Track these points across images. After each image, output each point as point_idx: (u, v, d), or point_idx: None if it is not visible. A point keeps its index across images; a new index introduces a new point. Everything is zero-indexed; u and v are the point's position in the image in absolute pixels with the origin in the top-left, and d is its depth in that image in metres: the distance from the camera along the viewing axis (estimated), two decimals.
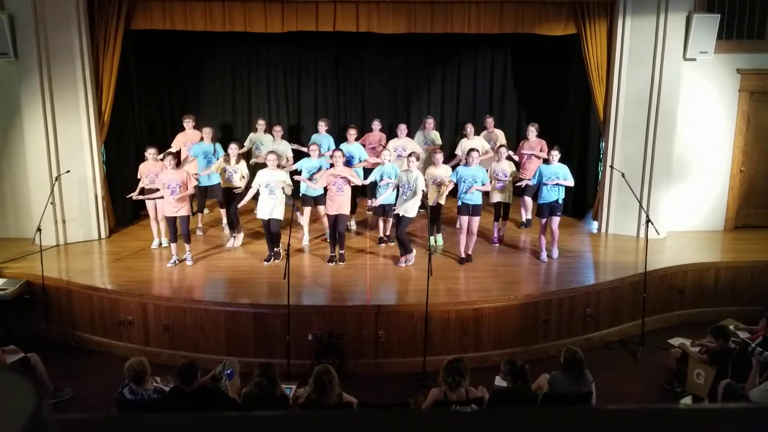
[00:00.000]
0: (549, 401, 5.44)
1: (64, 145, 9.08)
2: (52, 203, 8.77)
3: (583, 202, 10.69)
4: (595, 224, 10.09)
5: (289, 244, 7.29)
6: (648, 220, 8.21)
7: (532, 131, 9.80)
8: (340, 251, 8.62)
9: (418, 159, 8.57)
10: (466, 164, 8.51)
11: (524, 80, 11.63)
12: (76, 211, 9.28)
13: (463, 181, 8.41)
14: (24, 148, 9.09)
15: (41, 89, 8.84)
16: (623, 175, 8.82)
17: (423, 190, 8.31)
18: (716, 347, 6.55)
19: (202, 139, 9.60)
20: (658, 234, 8.38)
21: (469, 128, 10.03)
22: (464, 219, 8.53)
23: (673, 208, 9.68)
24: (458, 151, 10.02)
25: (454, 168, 8.85)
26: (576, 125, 10.71)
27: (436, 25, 9.28)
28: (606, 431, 0.90)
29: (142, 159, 9.07)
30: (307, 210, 9.17)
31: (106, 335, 7.92)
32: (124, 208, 10.03)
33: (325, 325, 7.40)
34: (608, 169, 9.53)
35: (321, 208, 9.04)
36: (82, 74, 8.99)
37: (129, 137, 10.10)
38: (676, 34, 9.08)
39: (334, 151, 8.79)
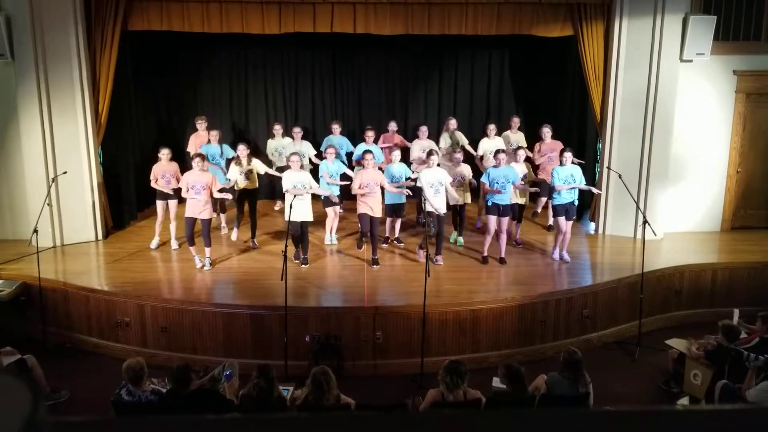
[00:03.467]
0: (546, 402, 5.44)
1: (61, 146, 9.06)
2: (49, 204, 8.75)
3: (580, 203, 10.69)
4: (593, 225, 10.10)
5: (286, 246, 7.29)
6: (645, 221, 8.21)
7: (547, 132, 9.77)
8: (374, 256, 8.53)
9: (437, 155, 8.62)
10: (496, 165, 8.53)
11: (521, 81, 11.62)
12: (73, 212, 9.25)
13: (496, 183, 8.42)
14: (21, 150, 9.06)
15: (38, 90, 8.81)
16: (620, 176, 8.82)
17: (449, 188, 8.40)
18: (716, 345, 6.55)
19: (209, 140, 9.61)
20: (655, 235, 8.39)
21: (492, 128, 9.99)
22: (493, 219, 8.52)
23: (670, 209, 9.69)
24: (480, 151, 9.99)
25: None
26: (573, 126, 10.71)
27: (434, 26, 9.28)
28: None
29: (151, 160, 8.93)
30: (330, 210, 9.12)
31: (103, 337, 7.90)
32: (121, 209, 10.01)
33: (323, 326, 7.39)
34: (605, 171, 9.54)
35: (330, 210, 9.06)
36: (79, 75, 8.97)
37: (126, 138, 10.07)
38: (672, 36, 9.10)
39: (364, 152, 8.66)
